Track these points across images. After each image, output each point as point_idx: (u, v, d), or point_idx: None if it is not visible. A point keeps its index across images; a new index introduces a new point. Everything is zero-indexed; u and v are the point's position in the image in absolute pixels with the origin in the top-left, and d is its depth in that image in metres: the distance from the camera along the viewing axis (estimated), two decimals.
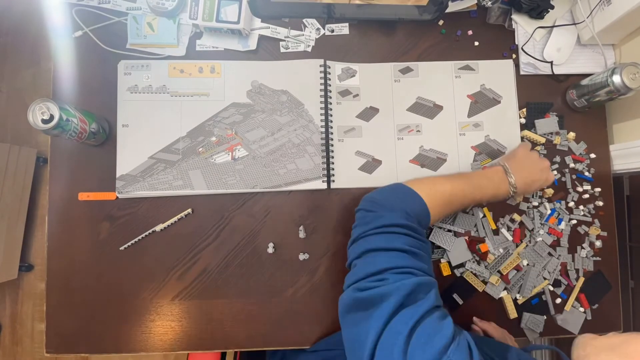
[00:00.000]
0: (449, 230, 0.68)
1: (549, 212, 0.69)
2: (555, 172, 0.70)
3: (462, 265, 0.68)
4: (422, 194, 0.52)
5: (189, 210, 0.67)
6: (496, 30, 0.73)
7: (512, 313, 0.67)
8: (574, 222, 0.69)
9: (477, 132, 0.71)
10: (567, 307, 0.68)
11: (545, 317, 0.67)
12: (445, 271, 0.67)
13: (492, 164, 0.62)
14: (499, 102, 0.72)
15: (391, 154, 0.70)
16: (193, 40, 0.71)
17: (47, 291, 0.66)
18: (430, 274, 0.45)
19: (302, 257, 0.68)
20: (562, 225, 0.69)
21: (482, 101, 0.72)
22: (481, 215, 0.69)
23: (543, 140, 0.70)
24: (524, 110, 0.71)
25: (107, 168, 0.67)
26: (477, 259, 0.68)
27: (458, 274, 0.68)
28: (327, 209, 0.69)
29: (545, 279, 0.68)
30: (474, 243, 0.67)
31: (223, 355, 0.76)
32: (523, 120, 0.71)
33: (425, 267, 0.45)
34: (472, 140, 0.71)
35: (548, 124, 0.70)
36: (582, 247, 0.69)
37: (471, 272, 0.67)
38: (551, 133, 0.70)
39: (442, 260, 0.68)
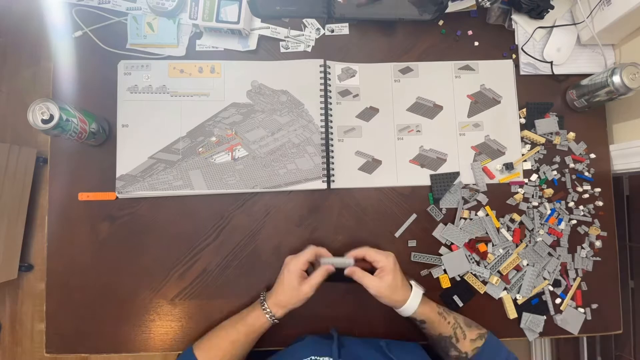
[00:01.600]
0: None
1: (549, 212, 0.69)
2: (555, 172, 0.70)
3: None
4: None
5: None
6: (496, 30, 0.73)
7: (512, 313, 0.67)
8: (574, 222, 0.69)
9: (477, 132, 0.71)
10: (563, 306, 0.68)
11: (545, 317, 0.67)
12: (445, 283, 0.67)
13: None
14: (499, 102, 0.72)
15: (391, 154, 0.70)
16: (193, 40, 0.71)
17: (47, 291, 0.66)
18: None
19: None
20: (562, 225, 0.69)
21: (482, 101, 0.72)
22: (483, 214, 0.69)
23: (543, 140, 0.70)
24: (524, 110, 0.71)
25: (107, 168, 0.67)
26: (477, 259, 0.68)
27: (458, 277, 0.68)
28: (327, 209, 0.69)
29: (545, 279, 0.68)
30: (472, 242, 0.68)
31: None
32: (523, 120, 0.71)
33: None
34: (472, 140, 0.71)
35: (548, 124, 0.70)
36: (582, 247, 0.69)
37: (471, 273, 0.67)
38: (551, 133, 0.70)
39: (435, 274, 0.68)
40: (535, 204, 0.69)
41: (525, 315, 0.67)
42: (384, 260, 0.59)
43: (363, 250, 0.61)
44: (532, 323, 0.67)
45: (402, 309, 0.59)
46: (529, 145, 0.71)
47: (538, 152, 0.70)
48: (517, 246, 0.68)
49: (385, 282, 0.58)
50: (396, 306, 0.59)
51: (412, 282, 0.62)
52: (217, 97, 0.69)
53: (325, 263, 0.60)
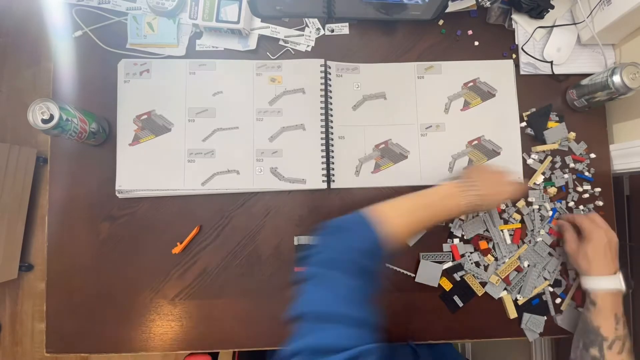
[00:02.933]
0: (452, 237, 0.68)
1: (550, 212, 0.69)
2: (565, 176, 0.70)
3: (462, 268, 0.68)
4: (381, 225, 0.48)
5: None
6: (496, 30, 0.73)
7: (512, 313, 0.67)
8: None
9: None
10: (564, 306, 0.67)
11: (545, 317, 0.67)
12: (446, 286, 0.67)
13: (450, 179, 0.59)
14: (494, 95, 0.71)
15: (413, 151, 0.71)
16: (193, 40, 0.71)
17: (47, 291, 0.66)
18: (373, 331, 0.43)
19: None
20: None
21: (478, 99, 0.72)
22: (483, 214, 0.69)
23: (556, 146, 0.70)
24: (525, 116, 0.71)
25: (107, 168, 0.67)
26: (476, 260, 0.67)
27: (458, 278, 0.68)
28: (327, 209, 0.69)
29: (545, 279, 0.68)
30: (475, 239, 0.68)
31: (215, 355, 0.76)
32: (523, 124, 0.71)
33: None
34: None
35: (555, 132, 0.70)
36: None
37: (471, 274, 0.67)
38: (562, 139, 0.70)
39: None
40: (537, 207, 0.69)
41: (526, 316, 0.67)
42: (594, 232, 0.60)
43: (588, 215, 0.63)
44: (533, 323, 0.67)
45: (590, 277, 0.58)
46: (540, 157, 0.71)
47: (551, 161, 0.70)
48: (518, 247, 0.68)
49: (583, 248, 0.60)
50: (585, 274, 0.59)
51: (620, 275, 0.59)
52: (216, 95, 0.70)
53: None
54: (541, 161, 0.70)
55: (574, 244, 0.62)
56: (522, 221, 0.69)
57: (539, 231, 0.68)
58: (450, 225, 0.69)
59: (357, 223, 0.49)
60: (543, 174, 0.70)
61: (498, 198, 0.57)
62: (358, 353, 0.39)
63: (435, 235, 0.69)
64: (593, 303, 0.58)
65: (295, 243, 0.67)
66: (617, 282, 0.58)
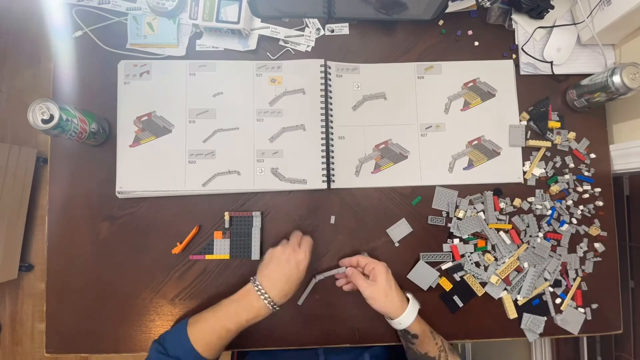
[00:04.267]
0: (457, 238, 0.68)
1: (549, 212, 0.69)
2: (552, 172, 0.70)
3: (462, 268, 0.68)
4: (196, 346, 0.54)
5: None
6: (496, 30, 0.73)
7: (512, 313, 0.67)
8: (574, 222, 0.69)
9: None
10: (564, 307, 0.68)
11: (545, 318, 0.67)
12: (446, 286, 0.68)
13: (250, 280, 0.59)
14: (494, 95, 0.72)
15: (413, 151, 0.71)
16: (193, 40, 0.71)
17: (47, 291, 0.66)
18: None
19: None
20: (564, 227, 0.69)
21: (478, 99, 0.72)
22: (483, 217, 0.69)
23: (549, 144, 0.70)
24: (525, 114, 0.71)
25: (107, 168, 0.67)
26: (476, 260, 0.68)
27: (458, 278, 0.68)
28: (327, 209, 0.69)
29: (546, 279, 0.68)
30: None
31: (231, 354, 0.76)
32: (524, 123, 0.71)
33: None
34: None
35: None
36: (582, 248, 0.69)
37: (471, 274, 0.67)
38: (552, 130, 0.71)
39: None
40: (539, 206, 0.69)
41: (526, 316, 0.67)
42: (375, 263, 0.61)
43: (355, 257, 0.63)
44: (533, 324, 0.67)
45: (399, 319, 0.59)
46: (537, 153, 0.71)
47: (552, 160, 0.70)
48: (518, 247, 0.68)
49: (378, 285, 0.59)
50: (392, 316, 0.59)
51: (409, 295, 0.62)
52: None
53: (320, 279, 0.64)
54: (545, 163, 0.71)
55: (369, 284, 0.60)
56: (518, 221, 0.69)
57: (538, 232, 0.68)
58: (450, 225, 0.69)
59: (177, 332, 0.55)
60: (546, 173, 0.70)
61: (292, 281, 0.58)
62: None
63: (436, 236, 0.69)
64: (414, 336, 0.60)
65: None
66: (416, 305, 0.61)
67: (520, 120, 0.71)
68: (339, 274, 0.65)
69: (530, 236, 0.68)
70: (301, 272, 0.58)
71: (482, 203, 0.69)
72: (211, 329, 0.56)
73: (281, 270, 0.58)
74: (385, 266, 0.61)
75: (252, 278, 0.59)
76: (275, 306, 0.56)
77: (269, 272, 0.58)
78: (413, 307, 0.60)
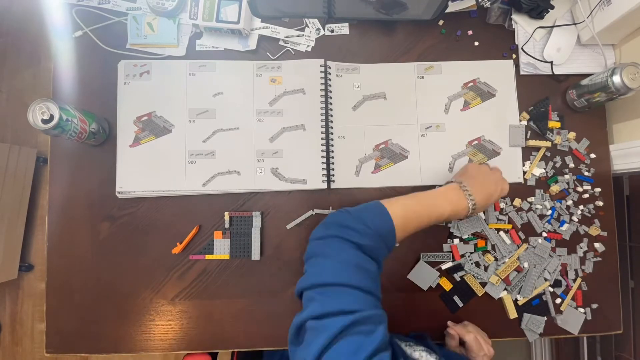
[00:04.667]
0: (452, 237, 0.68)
1: (549, 212, 0.69)
2: (552, 172, 0.70)
3: (462, 268, 0.68)
4: (393, 215, 0.50)
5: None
6: (496, 30, 0.73)
7: (512, 313, 0.67)
8: (574, 222, 0.69)
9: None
10: (564, 307, 0.68)
11: (545, 318, 0.67)
12: (446, 286, 0.68)
13: (446, 183, 0.59)
14: (494, 95, 0.72)
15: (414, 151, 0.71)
16: (193, 40, 0.71)
17: (47, 291, 0.66)
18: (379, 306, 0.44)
19: (302, 257, 0.68)
20: (565, 227, 0.69)
21: (478, 99, 0.72)
22: (482, 217, 0.69)
23: (549, 144, 0.70)
24: (525, 114, 0.71)
25: (107, 168, 0.67)
26: (476, 260, 0.67)
27: (458, 278, 0.68)
28: (327, 209, 0.69)
29: (546, 279, 0.68)
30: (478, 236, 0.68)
31: (214, 355, 0.76)
32: (524, 123, 0.71)
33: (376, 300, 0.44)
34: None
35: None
36: (582, 248, 0.69)
37: (472, 274, 0.67)
38: (552, 130, 0.71)
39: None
40: (539, 206, 0.69)
41: (526, 316, 0.67)
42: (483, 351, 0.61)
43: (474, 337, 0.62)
44: (533, 324, 0.67)
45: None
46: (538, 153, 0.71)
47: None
48: (518, 247, 0.68)
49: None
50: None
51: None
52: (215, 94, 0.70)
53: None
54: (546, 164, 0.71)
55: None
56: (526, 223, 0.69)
57: (540, 233, 0.68)
58: (450, 225, 0.69)
59: (376, 208, 0.50)
60: (546, 173, 0.70)
61: (499, 196, 0.59)
62: (367, 316, 0.39)
63: (435, 236, 0.69)
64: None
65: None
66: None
67: (520, 120, 0.71)
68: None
69: (532, 235, 0.68)
70: (499, 197, 0.58)
71: None
72: (412, 212, 0.52)
73: (488, 186, 0.57)
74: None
75: (453, 180, 0.58)
76: (474, 210, 0.55)
77: (476, 181, 0.57)
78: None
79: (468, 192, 0.55)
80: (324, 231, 0.48)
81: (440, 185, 0.59)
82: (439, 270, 0.68)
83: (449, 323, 0.65)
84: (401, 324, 0.67)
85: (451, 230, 0.68)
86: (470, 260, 0.68)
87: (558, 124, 0.71)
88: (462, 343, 0.63)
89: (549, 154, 0.71)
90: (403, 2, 0.66)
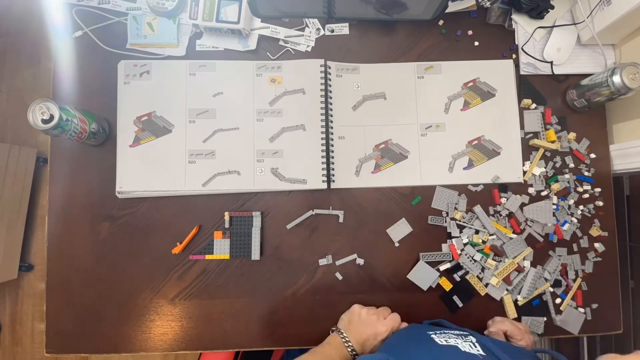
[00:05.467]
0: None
1: (553, 207, 0.69)
2: (553, 172, 0.70)
3: (461, 268, 0.68)
4: None
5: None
6: (496, 30, 0.73)
7: (512, 314, 0.67)
8: (575, 222, 0.69)
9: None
10: (563, 307, 0.68)
11: (545, 318, 0.67)
12: (446, 286, 0.68)
13: (332, 329, 0.62)
14: (494, 95, 0.72)
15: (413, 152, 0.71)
16: (193, 40, 0.71)
17: (47, 291, 0.66)
18: None
19: (303, 257, 0.68)
20: (566, 227, 0.69)
21: (478, 99, 0.72)
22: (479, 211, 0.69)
23: (554, 146, 0.69)
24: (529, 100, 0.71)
25: (107, 168, 0.67)
26: (476, 259, 0.67)
27: (458, 278, 0.68)
28: (327, 209, 0.69)
29: (546, 280, 0.68)
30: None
31: (235, 354, 0.76)
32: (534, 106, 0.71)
33: None
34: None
35: (532, 117, 0.71)
36: (582, 248, 0.69)
37: (472, 274, 0.67)
38: (538, 131, 0.71)
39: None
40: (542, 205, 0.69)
41: (525, 319, 0.67)
42: (525, 339, 0.60)
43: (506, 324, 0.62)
44: (533, 325, 0.67)
45: None
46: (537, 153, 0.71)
47: (552, 160, 0.70)
48: (521, 236, 0.68)
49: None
50: None
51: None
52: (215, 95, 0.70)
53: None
54: (545, 160, 0.71)
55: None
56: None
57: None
58: (446, 225, 0.69)
59: None
60: (546, 173, 0.70)
61: (375, 338, 0.59)
62: None
63: (436, 236, 0.69)
64: None
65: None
66: None
67: (524, 108, 0.71)
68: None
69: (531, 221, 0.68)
70: (377, 342, 0.59)
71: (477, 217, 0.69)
72: None
73: (362, 331, 0.59)
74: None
75: (335, 327, 0.61)
76: (353, 350, 0.58)
77: (354, 327, 0.60)
78: None
79: (345, 338, 0.58)
80: None
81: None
82: (438, 270, 0.68)
83: (489, 323, 0.64)
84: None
85: (449, 230, 0.68)
86: (469, 259, 0.67)
87: (554, 138, 0.70)
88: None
89: (548, 154, 0.71)
90: (403, 2, 0.66)
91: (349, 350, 0.57)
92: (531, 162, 0.70)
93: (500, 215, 0.69)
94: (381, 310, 0.62)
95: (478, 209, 0.68)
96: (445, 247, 0.68)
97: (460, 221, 0.68)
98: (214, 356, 0.75)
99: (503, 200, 0.69)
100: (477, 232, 0.68)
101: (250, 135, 0.69)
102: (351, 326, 0.60)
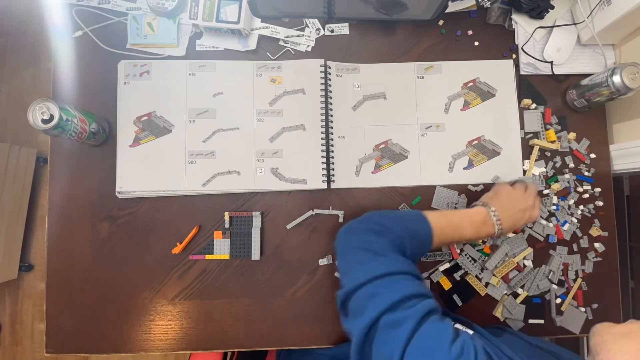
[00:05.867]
0: None
1: (553, 207, 0.69)
2: (553, 172, 0.70)
3: (460, 268, 0.68)
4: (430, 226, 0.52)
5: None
6: (496, 30, 0.73)
7: (499, 314, 0.67)
8: (575, 222, 0.69)
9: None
10: (564, 307, 0.68)
11: (543, 321, 0.67)
12: (446, 285, 0.68)
13: (476, 204, 0.60)
14: (494, 95, 0.72)
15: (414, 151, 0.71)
16: (193, 40, 0.71)
17: (47, 291, 0.66)
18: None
19: (303, 257, 0.68)
20: (566, 227, 0.69)
21: (478, 99, 0.72)
22: None
23: (555, 146, 0.69)
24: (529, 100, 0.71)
25: (107, 168, 0.67)
26: (482, 262, 0.67)
27: (458, 277, 0.68)
28: (327, 209, 0.69)
29: (550, 281, 0.68)
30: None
31: (224, 355, 0.76)
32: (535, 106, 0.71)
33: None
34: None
35: (533, 116, 0.71)
36: (582, 248, 0.69)
37: (472, 274, 0.67)
38: (538, 131, 0.71)
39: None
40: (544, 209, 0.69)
41: (507, 305, 0.67)
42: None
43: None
44: (510, 304, 0.66)
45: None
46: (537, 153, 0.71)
47: (524, 186, 0.70)
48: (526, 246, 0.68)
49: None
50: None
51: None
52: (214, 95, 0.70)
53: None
54: (546, 161, 0.71)
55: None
56: None
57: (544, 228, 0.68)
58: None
59: (416, 215, 0.53)
60: (546, 173, 0.70)
61: (527, 222, 0.60)
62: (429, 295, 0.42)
63: None
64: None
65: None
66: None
67: (523, 108, 0.71)
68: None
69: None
70: (525, 223, 0.59)
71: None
72: (447, 222, 0.55)
73: (516, 213, 0.58)
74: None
75: (481, 202, 0.59)
76: (500, 234, 0.57)
77: (505, 207, 0.58)
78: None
79: (497, 217, 0.56)
80: (361, 224, 0.50)
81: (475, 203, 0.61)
82: (437, 269, 0.68)
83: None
84: None
85: None
86: (468, 259, 0.67)
87: (554, 138, 0.70)
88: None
89: (548, 154, 0.71)
90: (403, 2, 0.66)
91: (497, 230, 0.56)
92: (530, 162, 0.70)
93: None
94: (531, 189, 0.61)
95: None
96: (443, 247, 0.68)
97: None
98: (203, 356, 0.75)
99: None
100: None
101: (250, 135, 0.69)
102: (505, 206, 0.58)
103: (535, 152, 0.70)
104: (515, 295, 0.67)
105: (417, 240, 0.51)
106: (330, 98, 0.70)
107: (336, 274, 0.68)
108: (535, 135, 0.71)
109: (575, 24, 0.70)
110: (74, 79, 0.69)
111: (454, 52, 0.73)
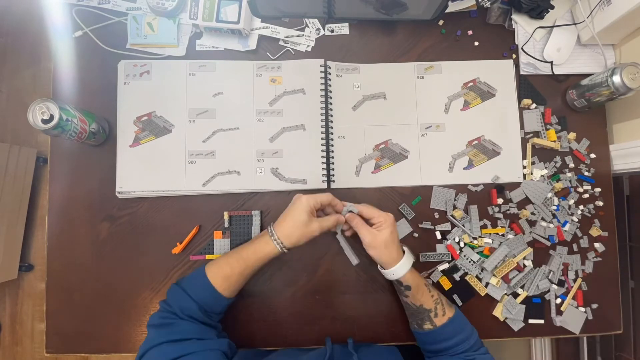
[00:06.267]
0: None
1: (554, 207, 0.69)
2: (553, 172, 0.70)
3: (459, 269, 0.68)
4: (213, 281, 0.56)
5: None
6: (496, 30, 0.73)
7: (499, 314, 0.67)
8: (575, 222, 0.69)
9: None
10: (564, 307, 0.68)
11: (543, 321, 0.67)
12: (446, 285, 0.68)
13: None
14: (494, 95, 0.72)
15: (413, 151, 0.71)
16: (193, 40, 0.71)
17: (47, 291, 0.66)
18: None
19: (303, 257, 0.68)
20: (567, 227, 0.69)
21: (478, 99, 0.72)
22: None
23: (555, 146, 0.69)
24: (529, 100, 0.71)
25: (107, 168, 0.67)
26: (482, 262, 0.67)
27: (458, 278, 0.68)
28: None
29: (550, 281, 0.68)
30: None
31: None
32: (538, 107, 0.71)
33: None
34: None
35: (532, 116, 0.71)
36: (582, 248, 0.69)
37: (472, 275, 0.67)
38: (539, 130, 0.71)
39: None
40: (544, 212, 0.69)
41: (508, 305, 0.67)
42: (383, 216, 0.60)
43: (363, 206, 0.61)
44: (510, 304, 0.66)
45: (391, 269, 0.58)
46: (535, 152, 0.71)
47: (553, 161, 0.70)
48: (525, 246, 0.68)
49: (381, 235, 0.58)
50: (386, 265, 0.59)
51: (405, 248, 0.62)
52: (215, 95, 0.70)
53: (345, 212, 0.61)
54: (546, 162, 0.71)
55: (373, 233, 0.59)
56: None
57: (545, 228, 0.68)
58: (451, 223, 0.69)
59: (197, 276, 0.57)
60: (547, 174, 0.70)
61: (308, 235, 0.58)
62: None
63: (434, 236, 0.69)
64: (407, 288, 0.59)
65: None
66: (410, 258, 0.60)
67: (523, 108, 0.71)
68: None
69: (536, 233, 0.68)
70: (299, 210, 0.57)
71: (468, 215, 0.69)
72: (225, 263, 0.57)
73: (287, 212, 0.58)
74: (393, 219, 0.60)
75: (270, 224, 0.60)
76: (283, 247, 0.57)
77: (283, 220, 0.58)
78: (407, 259, 0.59)
79: (274, 235, 0.57)
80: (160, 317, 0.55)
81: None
82: (436, 269, 0.68)
83: (348, 217, 0.62)
84: (400, 323, 0.67)
85: (436, 230, 0.68)
86: (468, 259, 0.67)
87: (555, 137, 0.70)
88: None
89: (548, 154, 0.71)
90: (403, 2, 0.66)
91: (278, 246, 0.56)
92: (527, 161, 0.70)
93: (503, 213, 0.69)
94: (314, 198, 0.59)
95: (473, 209, 0.68)
96: (441, 248, 0.68)
97: (458, 220, 0.68)
98: None
99: (500, 200, 0.69)
100: (464, 232, 0.68)
101: (250, 135, 0.69)
102: (282, 218, 0.58)
103: (529, 149, 0.70)
104: (515, 295, 0.67)
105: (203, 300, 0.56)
106: (330, 98, 0.70)
107: (336, 274, 0.68)
108: (536, 135, 0.71)
109: (575, 24, 0.70)
110: (74, 79, 0.69)
111: (454, 52, 0.73)
